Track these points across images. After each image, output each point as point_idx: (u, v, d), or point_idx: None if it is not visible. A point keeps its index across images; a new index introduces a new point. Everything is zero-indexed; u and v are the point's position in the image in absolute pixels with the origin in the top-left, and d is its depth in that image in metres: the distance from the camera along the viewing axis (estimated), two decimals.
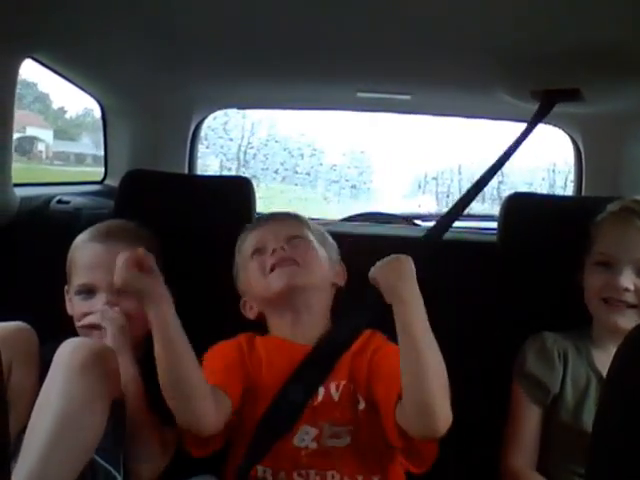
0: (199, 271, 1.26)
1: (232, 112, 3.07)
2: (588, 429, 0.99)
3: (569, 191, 2.32)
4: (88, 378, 0.89)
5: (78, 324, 1.14)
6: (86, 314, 1.13)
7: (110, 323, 1.09)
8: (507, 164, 1.25)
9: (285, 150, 3.55)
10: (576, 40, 1.09)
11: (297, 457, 1.01)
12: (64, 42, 1.30)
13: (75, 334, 1.09)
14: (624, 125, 1.65)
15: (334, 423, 1.02)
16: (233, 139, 3.40)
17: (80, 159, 3.62)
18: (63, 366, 0.90)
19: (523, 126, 1.28)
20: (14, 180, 1.40)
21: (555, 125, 1.86)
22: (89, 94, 1.71)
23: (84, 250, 1.18)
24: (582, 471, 1.05)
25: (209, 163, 3.38)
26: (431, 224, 1.26)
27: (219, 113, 2.24)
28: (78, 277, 1.16)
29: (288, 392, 1.02)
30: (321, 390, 1.03)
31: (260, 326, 1.16)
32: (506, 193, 1.44)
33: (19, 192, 1.43)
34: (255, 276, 1.12)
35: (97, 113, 1.81)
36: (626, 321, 1.07)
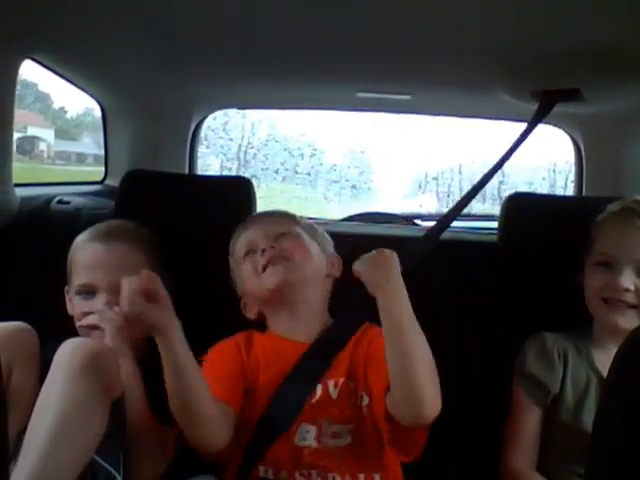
0: (199, 271, 1.26)
1: (232, 112, 3.07)
2: (588, 429, 0.99)
3: (569, 191, 2.32)
4: (88, 378, 0.89)
5: (78, 324, 1.14)
6: (86, 314, 1.13)
7: (109, 323, 1.09)
8: (508, 164, 1.25)
9: (285, 150, 3.55)
10: (576, 40, 1.09)
11: (299, 456, 1.01)
12: (64, 43, 1.30)
13: (75, 334, 1.09)
14: (624, 125, 1.65)
15: (333, 421, 1.02)
16: (233, 139, 3.41)
17: (81, 159, 3.62)
18: (63, 366, 0.90)
19: (523, 126, 1.28)
20: (17, 179, 1.40)
21: (555, 125, 1.86)
22: (89, 94, 1.71)
23: (84, 250, 1.18)
24: (582, 471, 1.04)
25: (209, 163, 3.38)
26: (431, 224, 1.27)
27: (219, 113, 2.24)
28: (78, 277, 1.16)
29: (286, 390, 1.02)
30: (319, 387, 1.03)
31: (261, 324, 1.17)
32: (507, 193, 1.44)
33: (19, 192, 1.43)
34: (249, 277, 1.13)
35: (97, 113, 1.81)
36: (626, 321, 1.07)
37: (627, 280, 1.07)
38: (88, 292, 1.14)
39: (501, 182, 3.24)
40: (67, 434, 0.85)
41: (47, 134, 3.65)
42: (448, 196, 3.54)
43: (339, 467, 1.00)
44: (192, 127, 1.94)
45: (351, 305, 1.09)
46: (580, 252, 1.17)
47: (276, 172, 3.52)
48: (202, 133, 2.07)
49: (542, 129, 1.81)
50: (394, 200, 3.72)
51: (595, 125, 1.73)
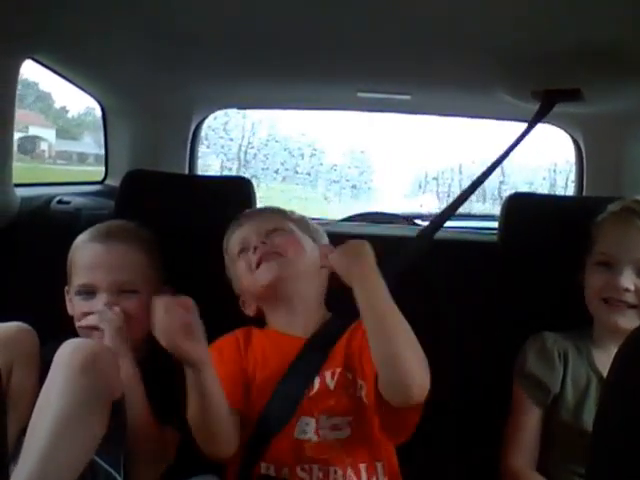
0: (199, 271, 1.26)
1: (232, 112, 3.07)
2: (588, 429, 0.99)
3: (570, 191, 2.32)
4: (88, 379, 0.89)
5: (77, 324, 1.14)
6: (86, 314, 1.13)
7: (108, 324, 1.09)
8: (508, 164, 1.26)
9: (285, 150, 3.56)
10: (576, 40, 1.09)
11: (300, 450, 1.01)
12: (64, 43, 1.30)
13: (75, 334, 1.09)
14: (625, 125, 1.65)
15: (331, 413, 1.02)
16: (233, 139, 3.41)
17: (82, 158, 3.63)
18: (63, 367, 0.90)
19: (523, 126, 1.28)
20: (19, 179, 1.40)
21: (556, 125, 1.86)
22: (89, 94, 1.71)
23: (84, 250, 1.18)
24: (582, 471, 1.04)
25: (210, 163, 3.38)
26: None
27: (219, 113, 2.24)
28: (78, 277, 1.16)
29: (285, 386, 1.03)
30: (317, 380, 1.04)
31: (260, 321, 1.17)
32: (507, 193, 1.44)
33: (20, 192, 1.43)
34: (244, 274, 1.13)
35: (98, 112, 1.81)
36: (626, 321, 1.07)
37: (627, 280, 1.07)
38: (88, 292, 1.14)
39: (501, 182, 3.24)
40: (67, 435, 0.85)
41: (48, 134, 3.66)
42: (448, 196, 3.53)
43: (340, 460, 1.01)
44: (192, 127, 1.94)
45: (348, 298, 1.09)
46: (580, 252, 1.17)
47: (276, 172, 3.53)
48: (202, 133, 2.07)
49: (543, 129, 1.82)
50: (394, 200, 3.73)
51: (596, 125, 1.73)
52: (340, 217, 2.04)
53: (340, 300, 1.14)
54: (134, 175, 1.43)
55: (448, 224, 1.63)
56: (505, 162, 1.30)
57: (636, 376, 0.60)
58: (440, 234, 1.41)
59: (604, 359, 1.10)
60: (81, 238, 1.20)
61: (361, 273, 0.97)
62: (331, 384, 1.04)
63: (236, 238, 1.18)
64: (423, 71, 1.42)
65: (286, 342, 1.08)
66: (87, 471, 0.87)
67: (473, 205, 3.07)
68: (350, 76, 1.52)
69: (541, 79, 1.28)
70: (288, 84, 1.65)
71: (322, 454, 1.01)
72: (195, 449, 1.05)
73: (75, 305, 1.16)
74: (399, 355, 0.92)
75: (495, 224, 1.40)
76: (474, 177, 1.28)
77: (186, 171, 1.94)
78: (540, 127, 1.28)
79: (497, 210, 1.47)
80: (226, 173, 3.37)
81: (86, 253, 1.17)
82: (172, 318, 0.89)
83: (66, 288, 1.19)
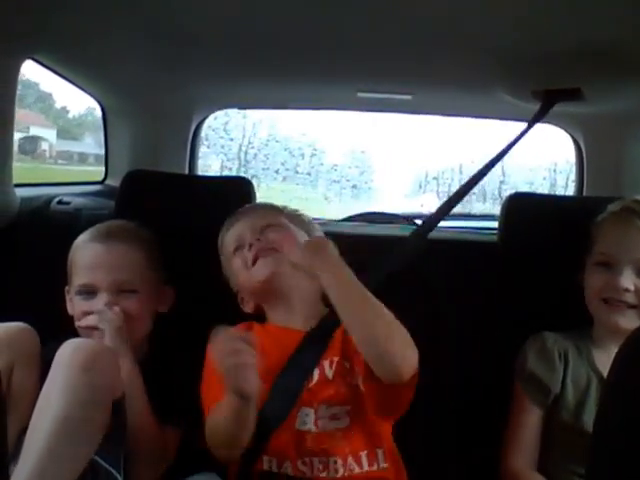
0: (199, 271, 1.26)
1: (233, 112, 3.07)
2: (589, 429, 1.00)
3: (570, 191, 2.32)
4: (89, 378, 0.89)
5: (77, 324, 1.14)
6: (87, 314, 1.13)
7: (108, 324, 1.09)
8: (508, 164, 1.26)
9: (286, 150, 3.56)
10: (576, 40, 1.09)
11: (301, 442, 1.01)
12: (64, 43, 1.30)
13: (76, 334, 1.10)
14: (625, 124, 1.65)
15: (330, 403, 1.02)
16: (234, 139, 3.41)
17: (83, 158, 3.63)
18: (64, 367, 0.90)
19: (524, 126, 1.28)
20: (20, 179, 1.40)
21: (556, 124, 1.86)
22: (90, 94, 1.71)
23: (85, 250, 1.18)
24: (582, 471, 1.04)
25: (210, 163, 3.38)
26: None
27: (220, 113, 2.24)
28: (79, 277, 1.16)
29: (285, 379, 1.03)
30: (316, 371, 1.04)
31: (260, 318, 1.17)
32: (507, 193, 1.44)
33: (20, 192, 1.43)
34: (240, 271, 1.14)
35: (99, 112, 1.81)
36: (627, 321, 1.07)
37: (627, 280, 1.07)
38: (89, 292, 1.14)
39: (502, 182, 3.24)
40: (67, 434, 0.85)
41: (49, 134, 3.65)
42: (449, 196, 3.53)
43: (340, 449, 1.01)
44: (192, 127, 1.94)
45: None
46: (580, 252, 1.17)
47: (276, 172, 3.53)
48: (203, 133, 2.07)
49: (543, 129, 1.82)
50: (395, 200, 3.73)
51: (596, 125, 1.73)
52: (340, 217, 2.04)
53: None
54: (134, 175, 1.43)
55: (448, 224, 1.63)
56: (505, 162, 1.30)
57: (636, 376, 0.60)
58: (440, 234, 1.42)
59: (604, 359, 1.10)
60: (81, 238, 1.20)
61: (325, 264, 1.00)
62: (330, 374, 1.04)
63: (231, 236, 1.18)
64: (423, 71, 1.42)
65: (285, 336, 1.09)
66: (87, 471, 0.87)
67: (473, 205, 3.07)
68: (350, 76, 1.52)
69: (541, 79, 1.28)
70: (288, 84, 1.65)
71: (322, 444, 1.01)
72: (195, 448, 1.05)
73: (75, 305, 1.16)
74: (377, 338, 0.93)
75: (495, 224, 1.40)
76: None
77: (186, 171, 1.94)
78: (540, 127, 1.27)
79: (497, 210, 1.47)
80: (226, 173, 3.36)
81: (86, 253, 1.18)
82: (237, 358, 0.88)
83: (66, 288, 1.20)
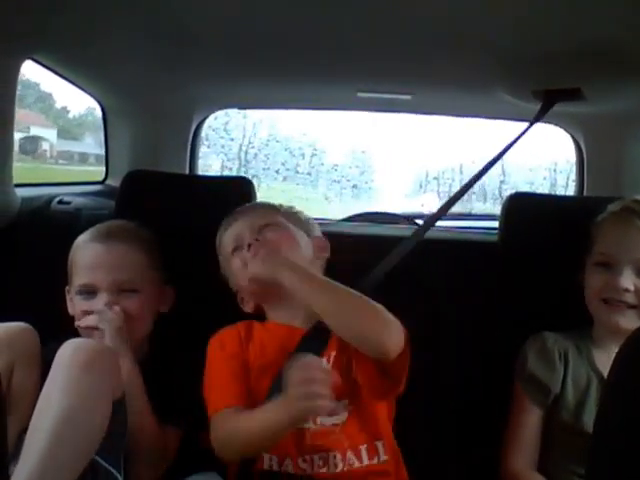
0: (199, 271, 1.26)
1: (233, 112, 3.08)
2: (589, 429, 1.00)
3: (570, 190, 2.32)
4: (89, 378, 0.90)
5: (77, 324, 1.14)
6: (87, 314, 1.13)
7: (108, 324, 1.09)
8: (509, 164, 1.26)
9: (286, 150, 3.56)
10: (576, 40, 1.09)
11: (301, 439, 1.01)
12: (64, 43, 1.30)
13: (76, 334, 1.09)
14: (626, 124, 1.65)
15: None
16: (234, 139, 3.41)
17: (84, 158, 3.63)
18: (64, 367, 0.90)
19: (524, 125, 1.28)
20: (21, 179, 1.40)
21: (556, 124, 1.86)
22: (90, 94, 1.71)
23: (85, 250, 1.18)
24: (582, 471, 1.04)
25: (210, 163, 3.39)
26: None
27: (220, 113, 2.24)
28: (79, 277, 1.16)
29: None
30: None
31: (260, 317, 1.17)
32: (507, 192, 1.44)
33: (20, 192, 1.43)
34: (239, 272, 1.14)
35: (99, 112, 1.81)
36: (627, 321, 1.07)
37: (627, 280, 1.07)
38: (89, 292, 1.15)
39: (502, 182, 3.24)
40: (68, 434, 0.85)
41: (50, 134, 3.66)
42: (449, 196, 3.53)
43: (339, 444, 1.01)
44: (193, 127, 1.94)
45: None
46: (580, 252, 1.17)
47: (277, 172, 3.53)
48: (203, 133, 2.07)
49: (543, 129, 1.82)
50: (395, 200, 3.73)
51: (596, 124, 1.73)
52: (341, 217, 2.04)
53: None
54: (134, 175, 1.43)
55: (449, 224, 1.63)
56: (506, 162, 1.31)
57: (637, 377, 0.60)
58: (440, 234, 1.42)
59: (604, 359, 1.10)
60: (82, 238, 1.20)
61: (280, 266, 1.02)
62: (327, 367, 1.04)
63: (229, 236, 1.18)
64: (423, 71, 1.42)
65: (285, 333, 1.09)
66: (87, 470, 0.87)
67: (473, 205, 3.07)
68: (350, 76, 1.52)
69: (541, 79, 1.28)
70: (288, 84, 1.65)
71: (321, 440, 1.01)
72: (195, 448, 1.05)
73: (76, 305, 1.16)
74: (348, 323, 0.98)
75: (495, 224, 1.40)
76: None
77: (187, 171, 1.94)
78: (541, 127, 1.27)
79: (497, 210, 1.47)
80: (227, 173, 3.37)
81: (87, 253, 1.18)
82: (309, 387, 0.90)
83: (67, 288, 1.20)
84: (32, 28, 1.17)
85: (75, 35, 1.24)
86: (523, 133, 1.24)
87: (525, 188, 3.36)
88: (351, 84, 1.59)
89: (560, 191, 3.29)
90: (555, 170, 3.38)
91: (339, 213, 2.72)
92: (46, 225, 1.43)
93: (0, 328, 0.97)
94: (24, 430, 0.88)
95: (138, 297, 1.15)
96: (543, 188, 3.40)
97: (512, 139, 1.24)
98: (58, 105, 3.66)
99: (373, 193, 3.72)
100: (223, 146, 3.39)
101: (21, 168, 1.39)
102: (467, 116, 2.00)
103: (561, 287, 1.21)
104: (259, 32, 1.19)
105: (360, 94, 1.64)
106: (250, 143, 3.47)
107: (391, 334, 0.97)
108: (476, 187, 1.23)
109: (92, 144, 3.39)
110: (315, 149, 3.63)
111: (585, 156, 1.84)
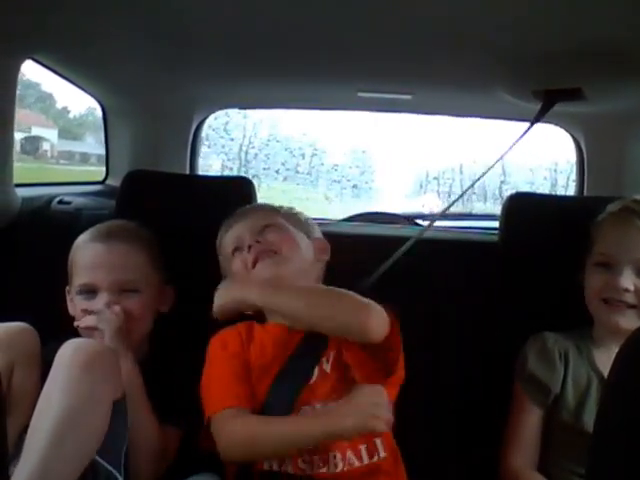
0: (199, 271, 1.26)
1: (233, 112, 3.08)
2: (589, 429, 1.00)
3: (571, 190, 2.32)
4: (89, 379, 0.90)
5: (76, 324, 1.14)
6: (88, 313, 1.13)
7: (107, 325, 1.09)
8: (509, 163, 1.26)
9: (286, 150, 3.56)
10: (577, 40, 1.09)
11: None
12: (64, 43, 1.30)
13: (76, 334, 1.09)
14: (626, 124, 1.65)
15: (327, 398, 1.02)
16: (234, 139, 3.41)
17: (85, 158, 3.63)
18: (64, 367, 0.90)
19: (525, 125, 1.28)
20: (21, 179, 1.40)
21: (557, 124, 1.86)
22: (90, 94, 1.71)
23: (85, 250, 1.18)
24: (582, 471, 1.04)
25: (211, 163, 3.39)
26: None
27: (220, 113, 2.24)
28: (79, 277, 1.16)
29: (285, 378, 1.03)
30: (316, 369, 1.04)
31: (260, 317, 1.17)
32: (508, 192, 1.43)
33: (20, 192, 1.43)
34: (240, 273, 1.14)
35: (99, 112, 1.81)
36: (627, 321, 1.07)
37: (627, 280, 1.07)
38: (89, 292, 1.15)
39: (502, 182, 3.24)
40: (68, 435, 0.85)
41: (50, 134, 3.66)
42: (449, 196, 3.53)
43: (339, 444, 1.00)
44: (193, 127, 1.94)
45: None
46: (580, 252, 1.17)
47: (277, 172, 3.53)
48: (203, 133, 2.07)
49: (544, 129, 1.82)
50: (395, 200, 3.73)
51: (596, 124, 1.73)
52: (341, 217, 2.04)
53: None
54: (135, 175, 1.43)
55: (449, 224, 1.63)
56: (506, 162, 1.31)
57: (637, 377, 0.60)
58: (440, 234, 1.42)
59: (605, 359, 1.10)
60: (82, 238, 1.20)
61: (247, 289, 1.09)
62: (327, 368, 1.05)
63: (229, 237, 1.18)
64: (423, 71, 1.42)
65: (286, 335, 1.08)
66: (88, 471, 0.87)
67: (474, 205, 3.07)
68: (350, 76, 1.52)
69: (542, 79, 1.28)
70: (288, 84, 1.65)
71: (322, 442, 1.00)
72: (195, 448, 1.05)
73: (76, 305, 1.16)
74: (331, 318, 1.02)
75: (496, 224, 1.40)
76: (475, 177, 1.28)
77: (187, 171, 1.94)
78: (541, 127, 1.27)
79: (498, 210, 1.47)
80: (227, 173, 3.37)
81: (87, 253, 1.18)
82: (374, 410, 0.93)
83: (67, 288, 1.20)
84: (32, 28, 1.17)
85: (75, 35, 1.24)
86: (524, 133, 1.24)
87: (525, 188, 3.35)
88: (351, 84, 1.59)
89: (560, 191, 3.28)
90: (555, 170, 3.38)
91: (339, 213, 2.72)
92: (46, 225, 1.43)
93: (0, 328, 0.97)
94: (24, 430, 0.89)
95: (138, 297, 1.15)
96: (543, 188, 3.40)
97: (513, 139, 1.24)
98: (59, 105, 3.67)
99: (373, 193, 3.72)
100: (223, 146, 3.39)
101: (21, 168, 1.39)
102: (467, 116, 2.00)
103: (561, 287, 1.21)
104: (259, 32, 1.19)
105: (360, 94, 1.64)
106: (250, 143, 3.47)
107: (369, 315, 1.00)
108: (476, 187, 1.24)
109: (93, 144, 3.39)
110: (315, 149, 3.63)
111: (585, 156, 1.84)
